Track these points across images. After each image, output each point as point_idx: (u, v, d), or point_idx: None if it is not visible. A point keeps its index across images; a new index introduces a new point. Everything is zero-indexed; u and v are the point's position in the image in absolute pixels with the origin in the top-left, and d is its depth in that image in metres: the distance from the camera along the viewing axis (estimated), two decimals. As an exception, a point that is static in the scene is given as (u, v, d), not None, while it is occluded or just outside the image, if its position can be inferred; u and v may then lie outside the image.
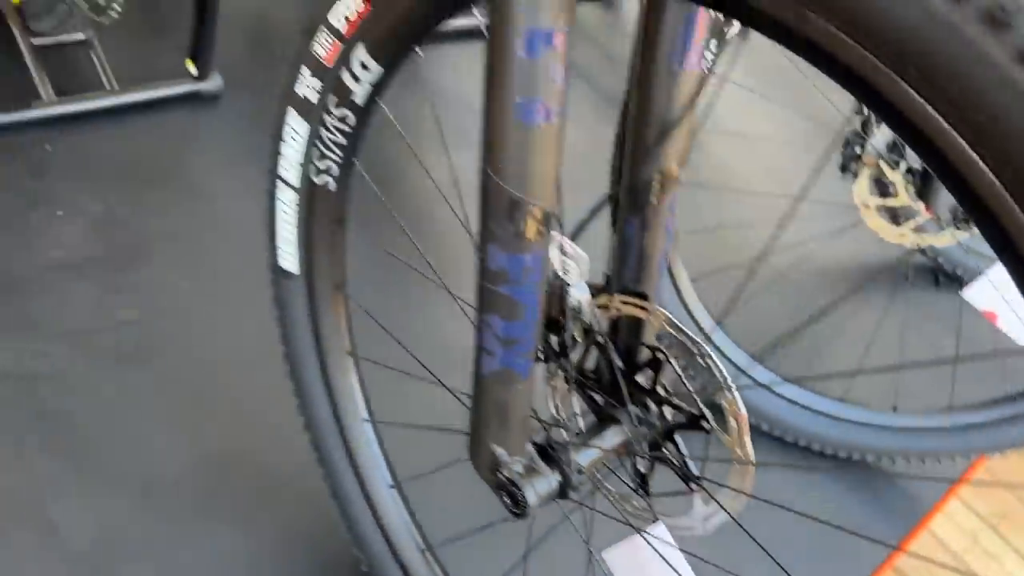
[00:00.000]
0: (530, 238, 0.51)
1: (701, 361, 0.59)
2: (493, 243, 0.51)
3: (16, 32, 1.32)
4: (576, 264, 0.59)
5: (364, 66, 0.67)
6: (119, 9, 0.99)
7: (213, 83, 1.40)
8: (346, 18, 0.65)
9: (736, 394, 0.58)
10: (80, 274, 1.13)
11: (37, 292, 1.09)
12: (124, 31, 1.39)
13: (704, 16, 0.55)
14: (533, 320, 0.54)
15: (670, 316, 0.61)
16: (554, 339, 0.61)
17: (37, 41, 1.33)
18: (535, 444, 0.60)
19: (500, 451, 0.59)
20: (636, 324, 0.63)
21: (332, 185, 0.77)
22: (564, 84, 0.47)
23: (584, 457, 0.61)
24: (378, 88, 0.69)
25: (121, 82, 1.37)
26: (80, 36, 1.35)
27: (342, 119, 0.72)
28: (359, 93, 0.69)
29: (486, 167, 0.50)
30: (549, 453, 0.60)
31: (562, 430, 0.63)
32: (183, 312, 1.12)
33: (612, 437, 0.62)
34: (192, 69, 1.09)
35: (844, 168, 1.18)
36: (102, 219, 1.20)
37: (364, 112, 0.71)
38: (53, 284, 1.10)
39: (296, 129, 0.75)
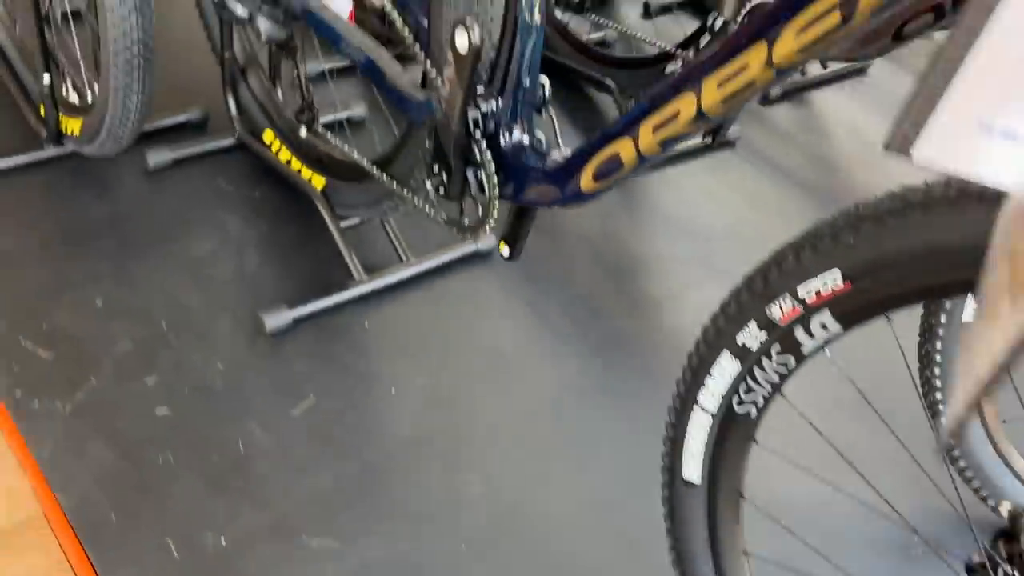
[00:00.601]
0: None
1: None
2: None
3: (326, 216, 1.45)
4: None
5: (824, 327, 0.73)
6: (492, 222, 1.08)
7: (488, 243, 1.51)
8: (817, 292, 0.71)
9: None
10: (424, 451, 1.22)
11: (393, 473, 1.18)
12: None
13: None
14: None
15: None
16: None
17: (344, 224, 1.45)
18: None
19: None
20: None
21: (753, 413, 0.83)
22: None
23: None
24: (830, 342, 0.74)
25: (412, 252, 1.48)
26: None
27: (782, 363, 0.78)
28: (809, 346, 0.75)
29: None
30: None
31: None
32: (523, 488, 1.20)
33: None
34: (505, 251, 1.18)
35: None
36: (430, 392, 1.30)
37: (807, 359, 0.77)
38: (406, 464, 1.20)
39: (726, 368, 0.82)
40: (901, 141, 0.46)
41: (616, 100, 1.93)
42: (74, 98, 1.41)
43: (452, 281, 1.50)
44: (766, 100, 2.11)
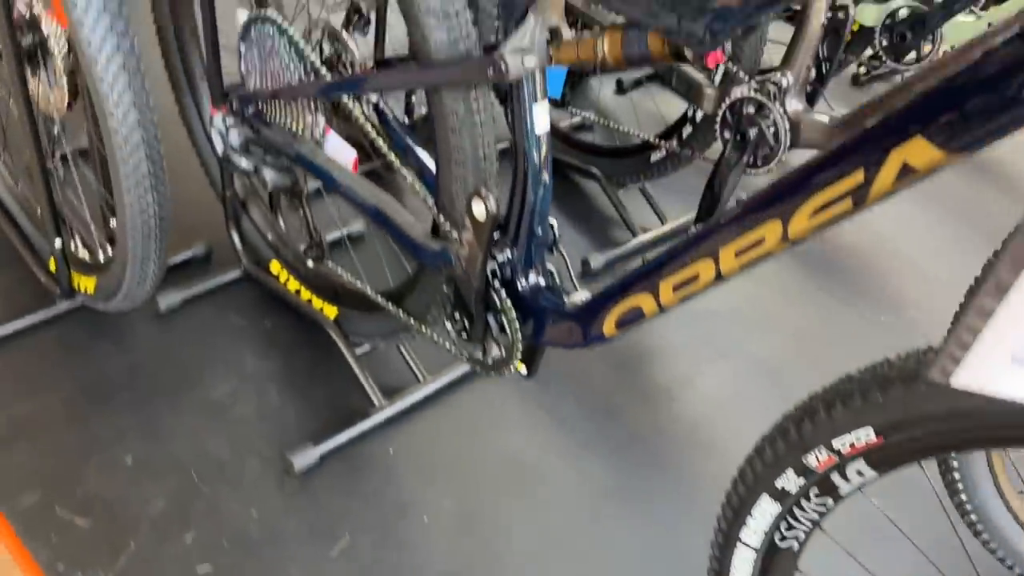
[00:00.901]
0: None
1: None
2: None
3: (340, 345, 1.47)
4: None
5: (859, 473, 0.77)
6: (516, 362, 1.11)
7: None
8: (851, 444, 0.75)
9: None
10: (469, 582, 1.24)
11: (438, 608, 1.20)
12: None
13: None
14: None
15: None
16: None
17: (359, 351, 1.48)
18: None
19: None
20: None
21: (795, 547, 0.86)
22: None
23: None
24: (866, 485, 0.78)
25: (426, 365, 1.51)
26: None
27: (821, 503, 0.81)
28: (846, 488, 0.79)
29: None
30: None
31: None
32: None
33: None
34: (523, 369, 1.21)
35: None
36: (461, 515, 1.32)
37: (844, 499, 0.80)
38: (449, 598, 1.22)
39: (767, 509, 0.85)
40: (942, 372, 0.50)
41: (603, 187, 1.98)
42: (84, 254, 1.43)
43: (469, 394, 1.53)
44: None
